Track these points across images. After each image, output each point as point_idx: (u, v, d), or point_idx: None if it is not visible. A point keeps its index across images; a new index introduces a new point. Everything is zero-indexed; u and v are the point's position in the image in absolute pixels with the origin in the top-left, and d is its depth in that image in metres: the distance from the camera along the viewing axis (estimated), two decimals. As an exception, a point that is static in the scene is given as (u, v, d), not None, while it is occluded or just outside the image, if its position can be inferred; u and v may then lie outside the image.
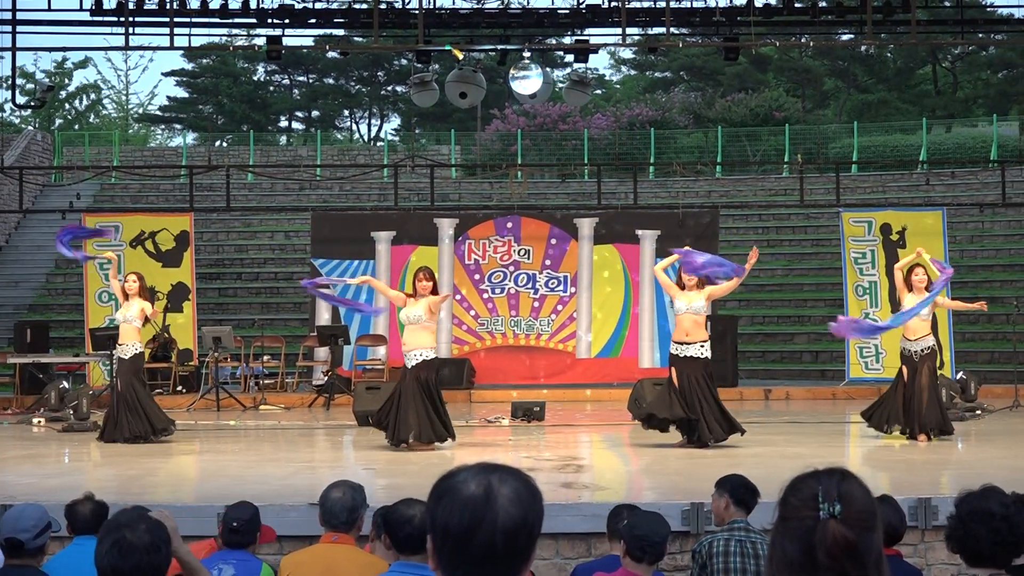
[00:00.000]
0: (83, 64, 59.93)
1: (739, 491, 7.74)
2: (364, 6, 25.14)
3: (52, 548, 7.04)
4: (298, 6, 23.80)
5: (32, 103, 27.19)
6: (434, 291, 14.91)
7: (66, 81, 59.85)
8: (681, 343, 14.99)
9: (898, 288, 16.02)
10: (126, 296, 16.31)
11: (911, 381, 15.41)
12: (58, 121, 58.75)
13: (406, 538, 5.94)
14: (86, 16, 23.67)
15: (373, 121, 65.29)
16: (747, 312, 29.31)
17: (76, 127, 57.75)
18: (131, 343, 16.10)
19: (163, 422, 16.24)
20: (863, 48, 48.29)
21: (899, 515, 7.00)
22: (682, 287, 15.11)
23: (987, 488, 5.26)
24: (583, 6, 23.53)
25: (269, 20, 24.15)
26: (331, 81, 61.71)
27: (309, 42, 52.17)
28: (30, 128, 42.52)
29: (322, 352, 24.33)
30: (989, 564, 4.89)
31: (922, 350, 15.47)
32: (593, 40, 22.55)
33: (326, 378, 22.96)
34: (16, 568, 6.11)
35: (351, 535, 6.76)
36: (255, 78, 61.51)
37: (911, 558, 8.94)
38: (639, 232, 25.52)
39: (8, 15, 22.89)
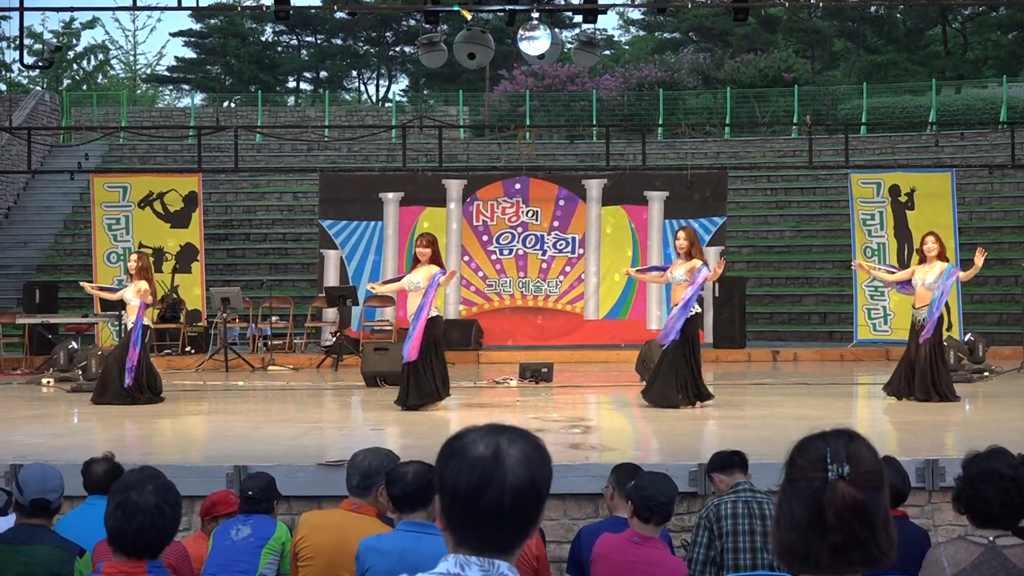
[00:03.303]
0: (91, 24, 59.94)
1: (726, 461, 7.87)
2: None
3: (64, 507, 7.07)
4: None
5: (40, 63, 27.14)
6: (434, 257, 14.92)
7: (74, 41, 59.79)
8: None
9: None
10: (131, 279, 16.64)
11: (912, 347, 15.44)
12: (66, 81, 58.68)
13: (400, 495, 5.96)
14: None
15: (381, 82, 65.21)
16: (755, 273, 29.28)
17: (84, 88, 57.68)
18: (136, 313, 16.16)
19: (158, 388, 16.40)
20: (872, 8, 48.10)
21: (902, 476, 7.03)
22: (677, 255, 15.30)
23: (994, 449, 5.27)
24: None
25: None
26: (339, 42, 61.59)
27: (317, 2, 52.03)
28: (38, 88, 42.47)
29: (330, 313, 24.37)
30: (997, 525, 4.91)
31: (925, 318, 15.42)
32: (602, 0, 22.42)
33: (334, 339, 22.99)
34: (27, 528, 6.14)
35: (373, 505, 6.67)
36: (263, 39, 61.39)
37: (918, 519, 8.96)
38: (647, 193, 25.49)
39: (15, -25, 22.84)
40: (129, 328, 16.14)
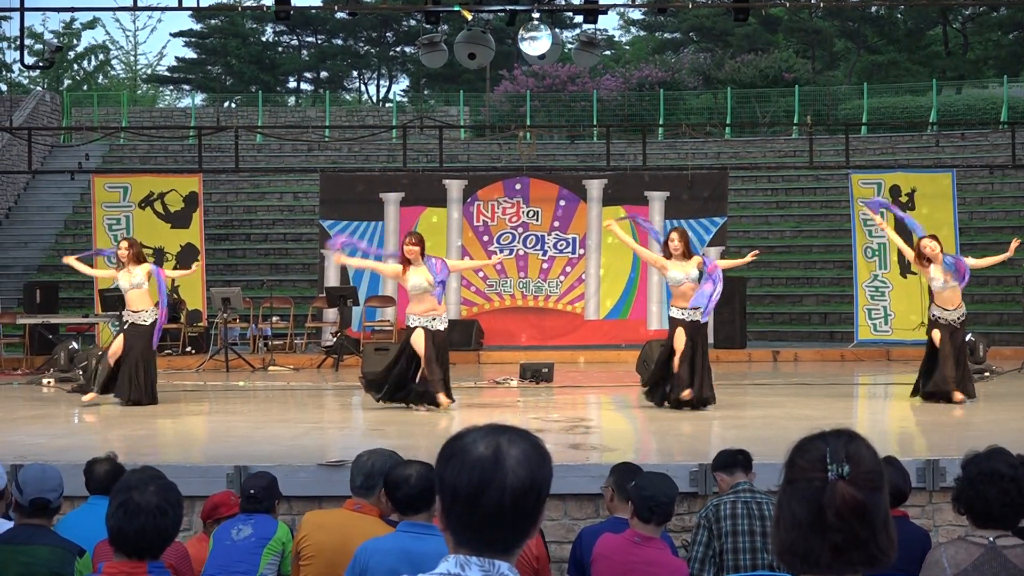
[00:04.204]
0: (91, 24, 59.94)
1: (729, 460, 7.88)
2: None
3: (64, 508, 7.08)
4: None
5: (40, 64, 27.12)
6: (423, 255, 14.84)
7: (74, 42, 59.80)
8: (686, 309, 14.89)
9: (916, 267, 15.91)
10: (121, 266, 16.12)
11: (947, 344, 15.32)
12: (66, 82, 58.69)
13: (403, 498, 5.93)
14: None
15: (382, 82, 65.21)
16: (756, 274, 29.25)
17: (84, 88, 57.69)
18: (148, 309, 15.96)
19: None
20: (873, 8, 48.10)
21: (903, 476, 7.04)
22: (668, 256, 15.04)
23: (994, 449, 5.27)
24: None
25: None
26: (340, 42, 61.59)
27: (317, 2, 52.05)
28: (38, 89, 42.50)
29: (331, 313, 24.37)
30: (996, 525, 4.90)
31: (958, 319, 15.42)
32: (602, 1, 22.41)
33: (335, 339, 22.99)
34: (27, 528, 6.14)
35: (376, 506, 6.66)
36: (263, 39, 61.38)
37: (918, 519, 8.97)
38: (648, 194, 25.48)
39: (16, -25, 22.84)
40: (150, 323, 15.91)
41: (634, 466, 7.89)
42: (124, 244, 16.28)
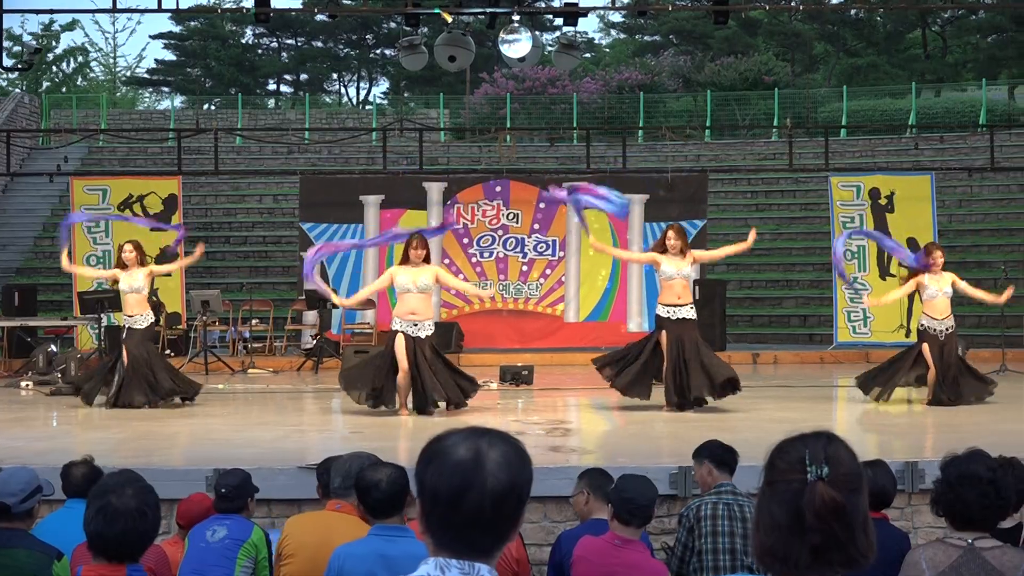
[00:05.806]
0: (70, 26, 59.67)
1: (716, 453, 7.86)
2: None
3: (43, 511, 7.04)
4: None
5: (19, 65, 27.03)
6: (427, 259, 14.88)
7: (53, 43, 59.58)
8: (674, 306, 15.01)
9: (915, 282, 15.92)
10: (123, 267, 16.09)
11: (937, 358, 15.44)
12: (45, 84, 58.49)
13: (376, 503, 5.88)
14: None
15: (362, 84, 65.15)
16: (735, 276, 29.31)
17: (63, 90, 57.49)
18: (144, 313, 15.92)
19: (185, 386, 16.24)
20: (853, 12, 48.19)
21: (891, 479, 7.07)
22: (663, 251, 15.18)
23: (973, 452, 5.29)
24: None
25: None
26: (319, 44, 61.52)
27: (297, 4, 51.98)
28: (17, 91, 42.40)
29: (310, 316, 24.33)
30: (976, 527, 4.92)
31: (946, 329, 15.57)
32: (582, 3, 22.41)
33: (314, 342, 22.96)
34: (5, 531, 6.11)
35: (356, 506, 6.65)
36: (243, 41, 61.28)
37: (897, 521, 8.98)
38: (628, 196, 25.45)
39: (-6, -23, 22.75)
40: (144, 327, 15.94)
41: (602, 470, 7.88)
42: (129, 247, 16.09)
